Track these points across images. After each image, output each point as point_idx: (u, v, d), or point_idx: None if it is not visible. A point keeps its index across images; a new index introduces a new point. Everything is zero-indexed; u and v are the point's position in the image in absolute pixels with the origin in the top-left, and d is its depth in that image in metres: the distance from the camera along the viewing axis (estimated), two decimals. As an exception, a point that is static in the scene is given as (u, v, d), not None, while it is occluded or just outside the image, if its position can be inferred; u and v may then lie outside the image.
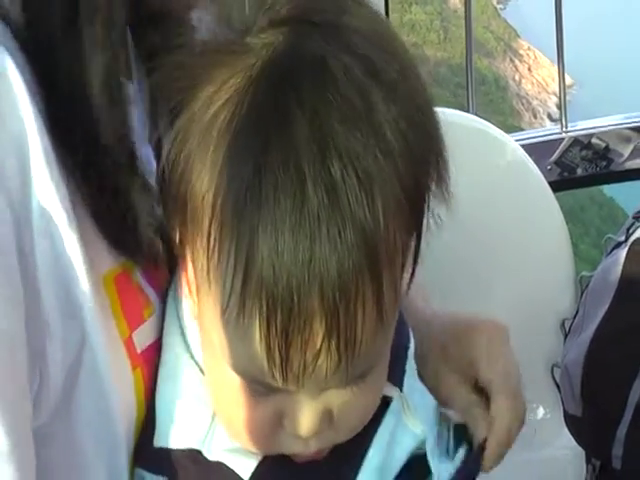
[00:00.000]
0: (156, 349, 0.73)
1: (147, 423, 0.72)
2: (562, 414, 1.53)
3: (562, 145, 1.98)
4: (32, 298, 0.64)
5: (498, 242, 1.66)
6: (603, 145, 1.98)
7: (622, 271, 1.41)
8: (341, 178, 0.59)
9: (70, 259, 0.66)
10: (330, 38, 0.62)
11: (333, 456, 0.71)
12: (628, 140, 2.00)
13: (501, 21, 23.45)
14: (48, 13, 0.65)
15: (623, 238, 1.48)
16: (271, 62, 0.62)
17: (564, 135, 1.99)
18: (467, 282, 1.58)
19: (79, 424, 0.69)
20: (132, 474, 0.73)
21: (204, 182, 0.62)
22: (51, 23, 0.65)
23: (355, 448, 0.72)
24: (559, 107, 2.12)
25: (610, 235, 1.55)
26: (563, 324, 1.66)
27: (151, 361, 0.73)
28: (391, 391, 0.74)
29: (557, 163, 1.97)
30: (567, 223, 1.77)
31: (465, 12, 2.06)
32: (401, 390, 0.75)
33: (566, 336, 1.58)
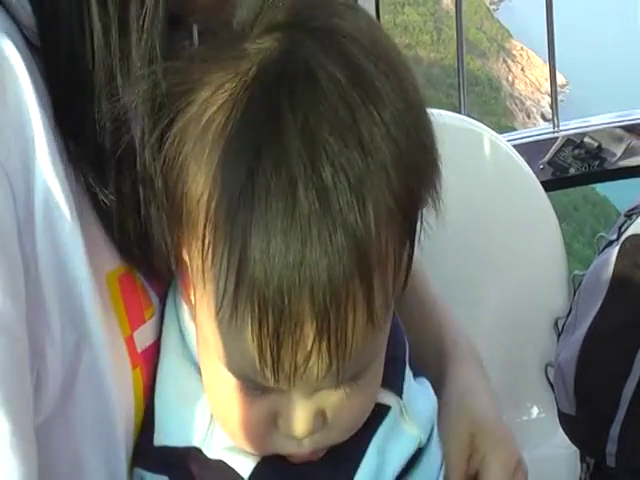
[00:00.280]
0: (155, 350, 0.74)
1: (146, 423, 0.73)
2: (556, 413, 1.53)
3: (555, 145, 1.98)
4: (33, 294, 0.65)
5: (491, 242, 1.66)
6: (595, 144, 1.99)
7: (614, 269, 1.42)
8: (332, 183, 0.60)
9: (72, 256, 0.67)
10: (325, 45, 0.63)
11: (331, 458, 0.71)
12: (620, 139, 2.00)
13: (494, 22, 23.45)
14: (60, 13, 0.66)
15: (615, 236, 1.48)
16: (265, 68, 0.62)
17: (556, 134, 1.99)
18: (460, 282, 1.57)
19: (78, 422, 0.70)
20: (131, 474, 0.73)
21: (199, 185, 0.62)
22: (64, 22, 0.66)
23: (353, 451, 0.72)
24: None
25: (602, 233, 1.56)
26: (556, 323, 1.66)
27: (150, 361, 0.73)
28: (390, 399, 0.75)
29: (550, 163, 1.97)
30: (561, 223, 1.77)
31: (456, 13, 2.06)
32: (401, 397, 0.76)
33: (559, 335, 1.58)
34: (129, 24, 0.66)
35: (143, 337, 0.73)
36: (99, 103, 0.66)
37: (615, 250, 1.44)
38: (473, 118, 1.79)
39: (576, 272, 1.67)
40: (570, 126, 2.03)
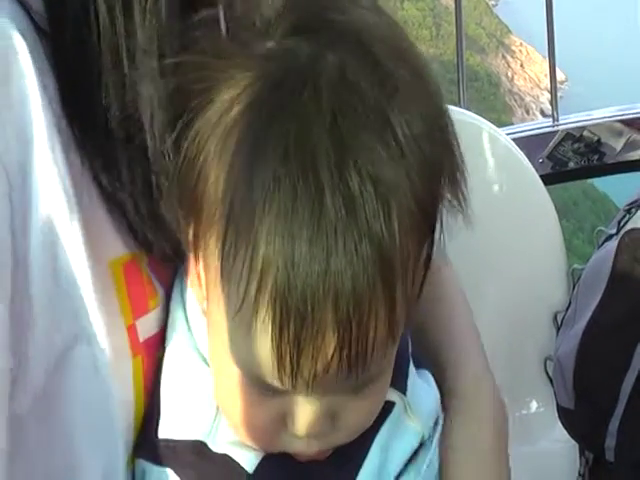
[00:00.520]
0: (158, 340, 0.74)
1: (151, 415, 0.72)
2: (555, 407, 1.53)
3: (554, 139, 1.98)
4: (20, 282, 0.64)
5: (490, 236, 1.66)
6: (595, 138, 1.99)
7: (613, 263, 1.41)
8: (359, 191, 0.59)
9: (68, 241, 0.66)
10: (352, 48, 0.63)
11: (335, 456, 0.71)
12: (620, 133, 2.00)
13: (493, 17, 23.47)
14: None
15: (614, 230, 1.48)
16: (293, 70, 0.62)
17: (556, 128, 1.99)
18: (459, 276, 1.57)
19: (71, 407, 0.69)
20: (129, 465, 0.73)
21: (221, 186, 0.62)
22: (76, 21, 0.66)
23: (357, 449, 0.72)
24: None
25: (601, 228, 1.56)
26: (556, 317, 1.66)
27: (152, 351, 0.73)
28: (393, 396, 0.75)
29: (549, 157, 1.97)
30: (560, 219, 1.77)
31: (455, 8, 2.06)
32: (404, 394, 0.76)
33: (559, 329, 1.58)
34: (132, 4, 0.65)
35: (146, 326, 0.73)
36: (107, 88, 0.66)
37: (614, 244, 1.43)
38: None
39: (575, 266, 1.67)
40: (570, 120, 2.03)
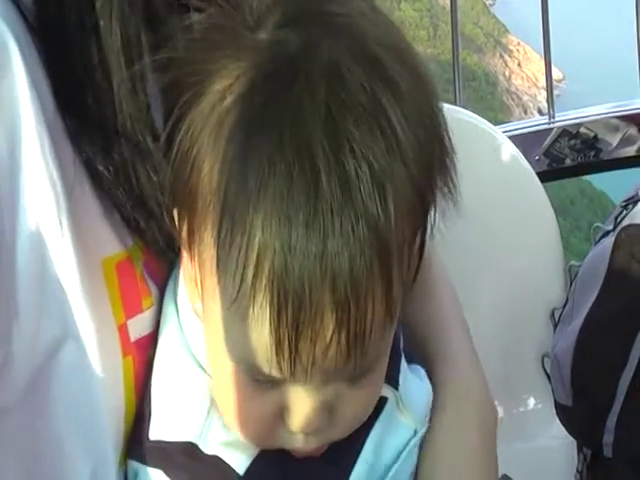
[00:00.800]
0: (151, 341, 0.73)
1: (143, 415, 0.72)
2: (553, 404, 1.53)
3: (550, 135, 1.98)
4: (5, 275, 0.64)
5: (487, 233, 1.66)
6: (591, 135, 1.99)
7: (610, 259, 1.41)
8: (355, 173, 0.59)
9: (57, 239, 0.66)
10: (343, 39, 0.63)
11: (329, 452, 0.71)
12: (616, 129, 2.00)
13: (490, 17, 23.46)
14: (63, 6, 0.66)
15: (611, 227, 1.48)
16: (285, 60, 0.62)
17: (552, 125, 1.99)
18: (456, 273, 1.57)
19: (58, 405, 0.69)
20: (121, 466, 0.73)
21: (215, 177, 0.62)
22: (67, 15, 0.66)
23: (350, 445, 0.72)
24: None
25: (598, 224, 1.56)
26: (553, 314, 1.66)
27: (144, 352, 0.73)
28: (386, 391, 0.74)
29: (546, 154, 1.97)
30: (558, 217, 1.77)
31: (451, 8, 2.06)
32: (397, 389, 0.75)
33: (556, 326, 1.59)
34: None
35: (139, 326, 0.72)
36: (96, 82, 0.66)
37: (611, 240, 1.44)
38: (469, 112, 1.79)
39: (572, 262, 1.67)
40: (566, 117, 2.03)
